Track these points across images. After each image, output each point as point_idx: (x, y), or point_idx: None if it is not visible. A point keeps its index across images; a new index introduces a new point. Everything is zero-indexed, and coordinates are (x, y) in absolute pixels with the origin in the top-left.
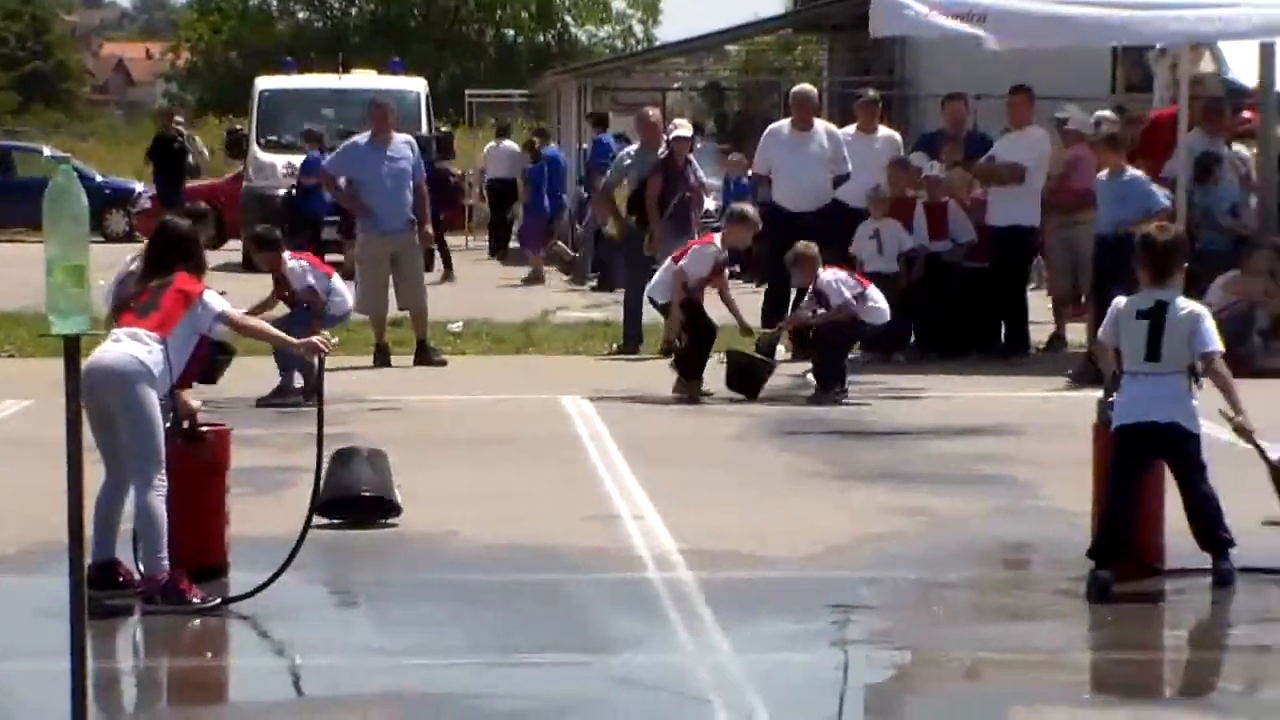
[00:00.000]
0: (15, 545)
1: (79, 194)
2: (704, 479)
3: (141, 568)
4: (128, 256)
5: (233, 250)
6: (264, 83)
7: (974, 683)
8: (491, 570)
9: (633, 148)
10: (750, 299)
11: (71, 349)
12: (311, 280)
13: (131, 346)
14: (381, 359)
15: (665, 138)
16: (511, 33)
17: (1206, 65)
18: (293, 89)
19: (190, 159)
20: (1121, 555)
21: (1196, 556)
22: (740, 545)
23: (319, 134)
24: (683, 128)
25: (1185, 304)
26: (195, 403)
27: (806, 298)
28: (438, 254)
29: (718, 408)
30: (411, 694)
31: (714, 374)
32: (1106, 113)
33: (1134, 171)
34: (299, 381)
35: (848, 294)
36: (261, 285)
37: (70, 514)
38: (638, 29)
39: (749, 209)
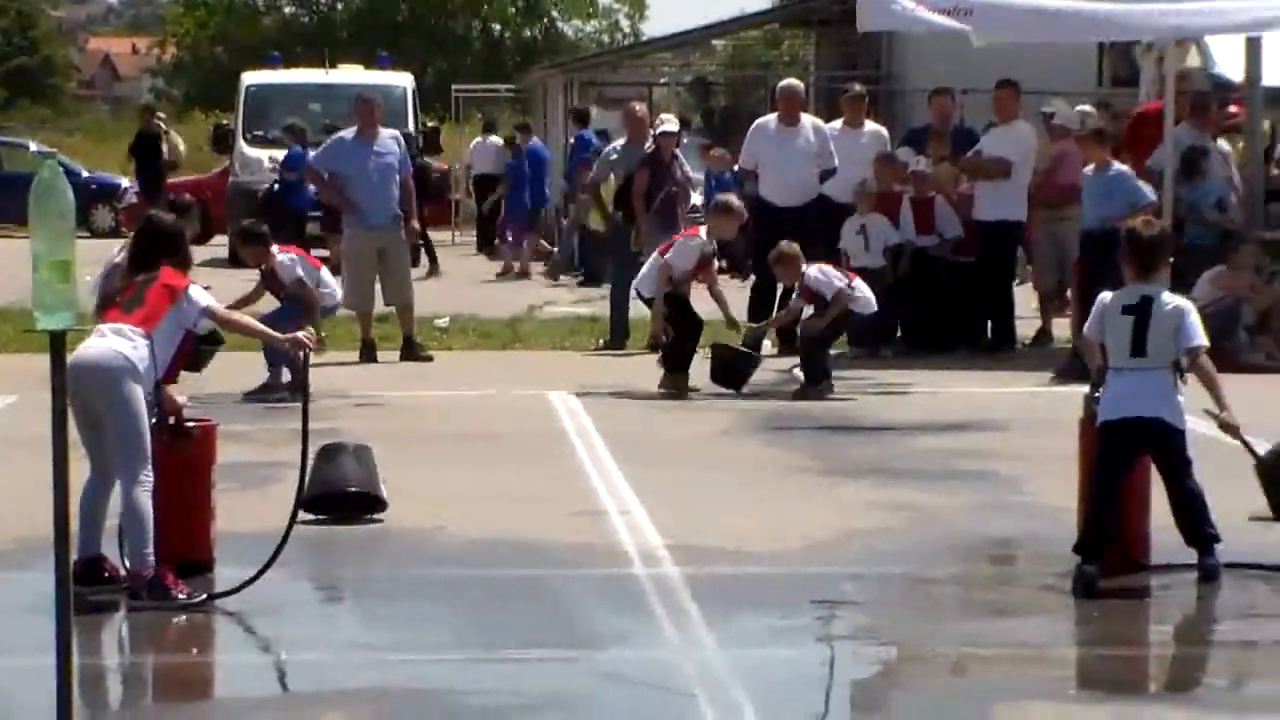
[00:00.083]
0: (0, 541)
1: (65, 189)
2: (690, 474)
3: (127, 563)
4: (115, 248)
5: (219, 246)
6: (250, 78)
7: (959, 678)
8: (477, 566)
9: (619, 143)
10: (733, 294)
11: (57, 345)
12: (301, 273)
13: (116, 342)
14: (368, 354)
15: (652, 133)
16: (498, 27)
17: (1193, 60)
18: (279, 84)
19: (165, 153)
20: (1107, 551)
21: (1182, 552)
22: (726, 541)
23: (301, 129)
24: (669, 123)
25: (1170, 299)
26: (181, 398)
27: (795, 296)
28: (422, 250)
29: (704, 403)
30: (397, 689)
31: (699, 369)
32: (1086, 107)
33: (1120, 166)
34: (287, 377)
35: (839, 284)
36: (249, 281)
37: (56, 510)
38: (624, 24)
39: (733, 200)
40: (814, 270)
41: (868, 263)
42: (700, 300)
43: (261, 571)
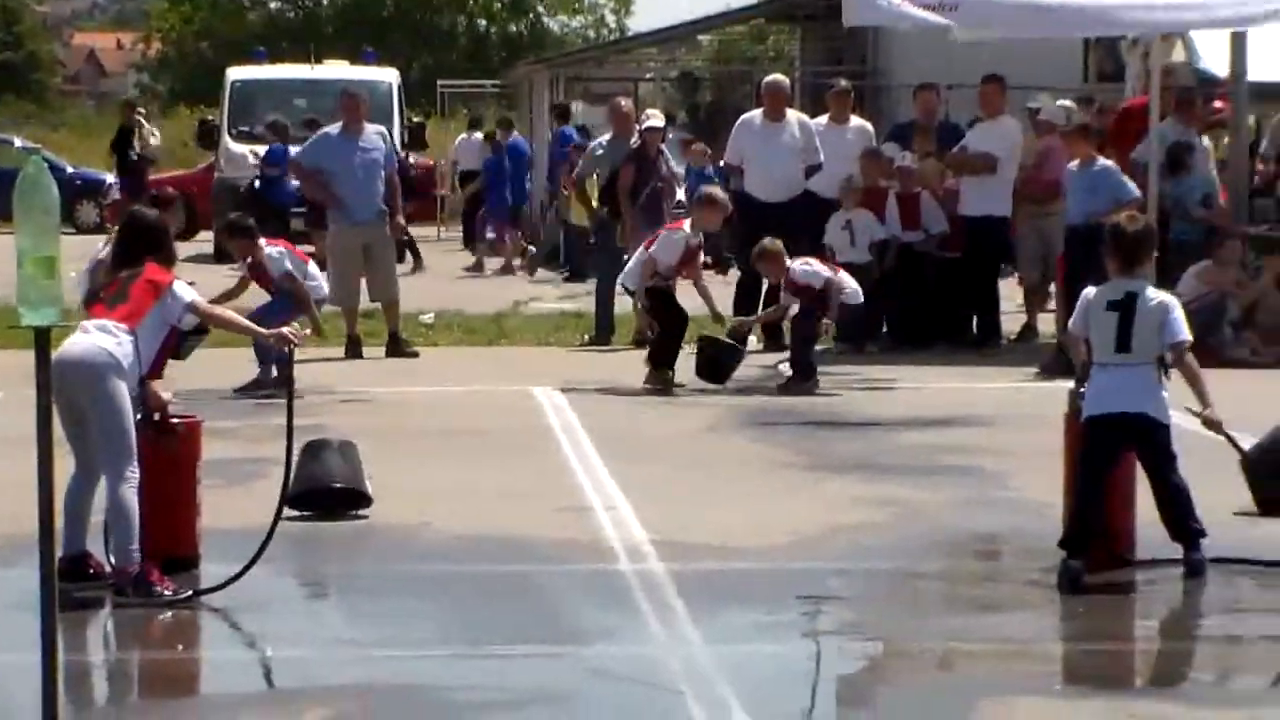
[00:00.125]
0: None
1: (50, 185)
2: (676, 470)
3: (112, 560)
4: (100, 244)
5: (204, 241)
6: (235, 73)
7: (945, 673)
8: (463, 562)
9: (605, 138)
10: (716, 290)
11: (42, 341)
12: (289, 266)
13: (100, 338)
14: (353, 351)
15: (637, 128)
16: (484, 23)
17: (1178, 55)
18: (264, 79)
19: (137, 146)
20: (1092, 546)
21: (1168, 547)
22: (712, 537)
23: (283, 125)
24: (655, 118)
25: (1155, 294)
26: (166, 394)
27: (783, 291)
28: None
29: (690, 399)
30: (382, 686)
31: (685, 365)
32: (1067, 102)
33: (1104, 162)
34: (275, 373)
35: (826, 274)
36: (233, 276)
37: (40, 507)
38: (610, 19)
39: (717, 192)
40: (799, 264)
41: (853, 258)
42: (686, 295)
43: (247, 568)
